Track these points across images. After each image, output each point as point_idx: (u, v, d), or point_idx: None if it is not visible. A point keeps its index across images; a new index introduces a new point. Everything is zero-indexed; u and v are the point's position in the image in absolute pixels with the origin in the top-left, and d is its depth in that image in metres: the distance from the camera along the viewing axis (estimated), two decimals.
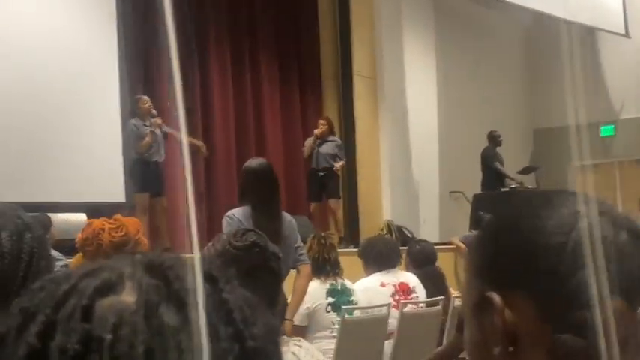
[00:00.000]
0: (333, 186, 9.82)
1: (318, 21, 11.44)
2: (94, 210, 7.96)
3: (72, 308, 0.57)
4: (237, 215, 4.27)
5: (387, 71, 11.54)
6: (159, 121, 8.49)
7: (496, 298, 0.84)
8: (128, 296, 0.58)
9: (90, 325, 0.56)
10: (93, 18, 8.81)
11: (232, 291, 0.62)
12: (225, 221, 4.29)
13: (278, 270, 1.97)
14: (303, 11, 11.28)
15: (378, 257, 5.58)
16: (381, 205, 11.30)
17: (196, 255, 0.58)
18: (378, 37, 11.56)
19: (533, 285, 0.83)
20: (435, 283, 6.03)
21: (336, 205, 9.92)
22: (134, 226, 3.10)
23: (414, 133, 11.72)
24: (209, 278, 0.61)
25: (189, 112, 9.45)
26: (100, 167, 8.50)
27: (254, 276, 1.90)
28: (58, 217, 7.36)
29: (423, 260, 6.26)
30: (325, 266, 5.28)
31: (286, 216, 4.49)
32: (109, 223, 3.02)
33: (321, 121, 9.81)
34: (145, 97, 8.60)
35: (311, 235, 5.76)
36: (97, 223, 3.03)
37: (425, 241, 7.25)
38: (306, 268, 4.66)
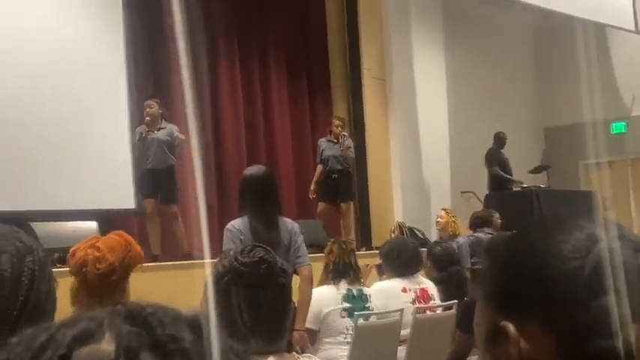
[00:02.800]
0: (346, 188, 9.73)
1: (326, 22, 11.42)
2: (103, 217, 7.99)
3: (49, 359, 0.56)
4: (236, 226, 4.27)
5: (396, 72, 11.51)
6: (145, 128, 8.33)
7: (511, 328, 0.80)
8: (107, 345, 0.57)
9: None
10: (102, 25, 8.81)
11: (222, 340, 0.59)
12: (225, 233, 4.30)
13: (287, 286, 1.94)
14: (311, 12, 11.26)
15: (401, 262, 5.46)
16: (392, 206, 11.27)
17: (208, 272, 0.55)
18: (387, 38, 11.53)
19: (549, 313, 0.79)
20: (458, 284, 5.94)
21: (348, 209, 9.86)
22: (120, 247, 2.97)
23: (424, 133, 11.69)
24: (193, 327, 0.59)
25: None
26: (109, 174, 8.49)
27: (263, 292, 1.87)
28: (68, 226, 7.35)
29: (445, 262, 6.18)
30: (347, 271, 5.25)
31: (287, 221, 4.47)
32: (94, 250, 2.91)
33: (337, 121, 9.70)
34: (152, 102, 8.44)
35: (331, 240, 5.73)
36: (80, 252, 2.91)
37: (445, 242, 7.15)
38: (306, 269, 4.51)
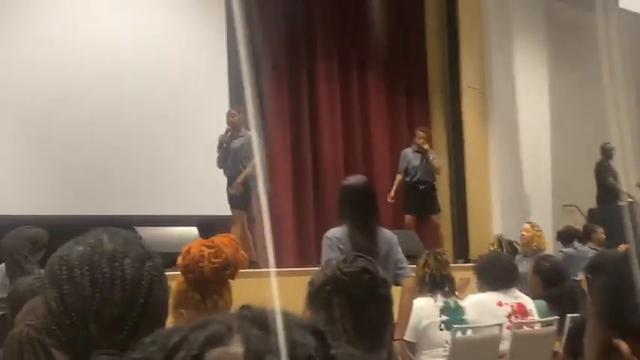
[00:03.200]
0: (433, 200, 9.61)
1: (425, 32, 11.38)
2: (204, 223, 8.14)
3: (182, 359, 0.58)
4: (336, 235, 4.29)
5: (496, 83, 11.36)
6: (225, 136, 8.19)
7: (624, 346, 0.79)
8: (236, 347, 0.59)
9: None
10: (200, 35, 9.02)
11: (340, 347, 0.61)
12: (324, 242, 4.33)
13: (389, 296, 1.94)
14: (410, 23, 11.24)
15: (496, 276, 5.38)
16: (491, 218, 11.11)
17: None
18: (487, 48, 11.40)
19: None
20: (571, 301, 5.73)
21: (438, 221, 9.73)
22: (231, 245, 3.11)
23: (524, 144, 11.48)
24: (316, 333, 0.60)
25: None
26: (209, 181, 8.66)
27: (364, 302, 1.88)
28: (170, 231, 7.52)
29: (555, 278, 5.99)
30: (442, 283, 5.21)
31: (385, 232, 4.47)
32: (208, 248, 3.04)
33: (421, 133, 9.57)
34: (233, 111, 8.27)
35: (425, 251, 5.71)
36: (195, 249, 3.04)
37: (552, 256, 6.96)
38: (408, 281, 4.52)
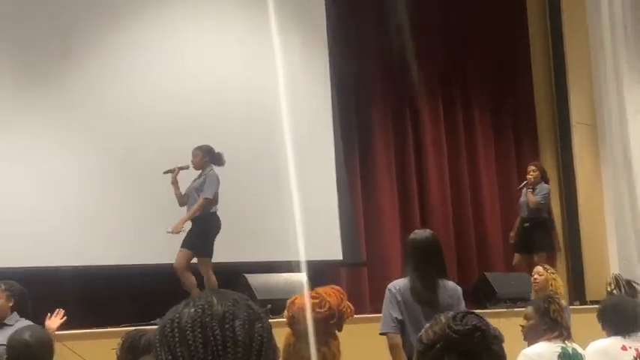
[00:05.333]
0: (539, 238, 9.20)
1: (531, 69, 11.22)
2: (313, 269, 8.16)
3: None
4: (397, 286, 4.50)
5: (607, 117, 11.05)
6: None
7: None
8: None
9: None
10: (309, 80, 9.14)
11: None
12: (386, 293, 4.53)
13: (501, 353, 1.89)
14: (516, 60, 11.11)
15: (619, 320, 5.21)
16: (607, 257, 10.75)
17: None
18: (597, 83, 11.13)
19: None
20: None
21: (542, 260, 9.26)
22: (336, 296, 3.14)
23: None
24: None
25: None
26: (317, 226, 8.69)
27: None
28: (279, 277, 7.56)
29: None
30: (559, 327, 5.05)
31: (449, 284, 4.59)
32: (312, 298, 3.06)
33: (530, 167, 9.37)
34: (196, 151, 7.64)
35: (539, 295, 5.56)
36: (301, 300, 3.08)
37: None
38: None
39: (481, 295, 9.00)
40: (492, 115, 10.81)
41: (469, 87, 10.65)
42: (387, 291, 4.52)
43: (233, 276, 7.46)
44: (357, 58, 9.79)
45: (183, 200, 7.47)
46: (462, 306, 4.55)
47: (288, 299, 3.47)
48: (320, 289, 3.29)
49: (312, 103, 9.11)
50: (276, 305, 7.04)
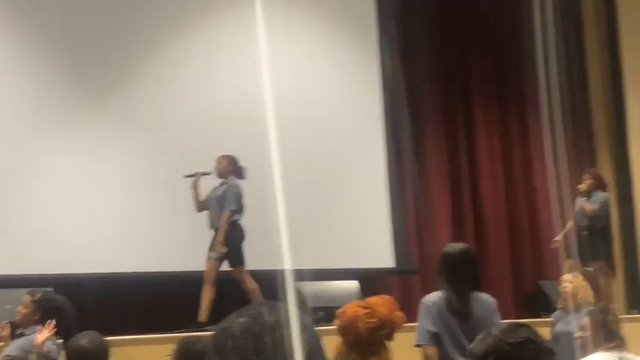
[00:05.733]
0: (594, 246, 8.88)
1: (587, 72, 11.09)
2: (364, 276, 8.16)
3: None
4: (431, 299, 4.58)
5: None
6: None
7: None
8: None
9: None
10: (355, 89, 9.16)
11: None
12: (420, 307, 4.60)
13: None
14: (572, 64, 10.96)
15: None
16: None
17: None
18: None
19: None
20: None
21: (601, 269, 9.05)
22: (386, 305, 3.16)
23: None
24: None
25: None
26: (368, 232, 8.70)
27: None
28: (332, 285, 7.57)
29: None
30: (614, 338, 4.99)
31: (483, 297, 4.64)
32: (363, 308, 3.09)
33: (586, 175, 9.24)
34: (220, 157, 7.63)
35: (592, 305, 5.48)
36: (351, 310, 3.13)
37: None
38: None
39: (536, 304, 8.93)
40: (548, 122, 10.68)
41: (524, 94, 10.54)
42: (421, 305, 4.61)
43: (283, 284, 7.47)
44: (409, 63, 9.78)
45: (201, 206, 7.44)
46: (498, 317, 4.57)
47: (339, 307, 3.49)
48: (371, 299, 3.31)
49: (363, 109, 9.12)
50: (328, 313, 7.08)
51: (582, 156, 10.80)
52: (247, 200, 7.96)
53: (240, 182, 7.37)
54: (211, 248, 7.22)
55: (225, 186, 7.38)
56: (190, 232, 7.83)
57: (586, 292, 6.81)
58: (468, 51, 10.25)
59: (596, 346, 5.02)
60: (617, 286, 10.49)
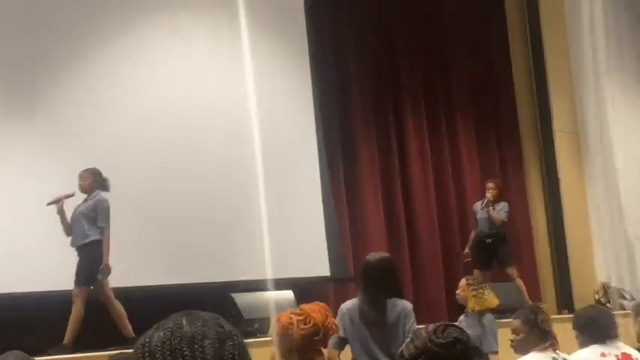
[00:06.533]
0: (504, 253, 9.27)
1: (513, 77, 11.32)
2: (300, 286, 8.14)
3: None
4: (347, 306, 4.76)
5: (590, 124, 11.12)
6: None
7: None
8: None
9: None
10: (287, 97, 9.16)
11: None
12: (338, 313, 4.69)
13: None
14: (497, 69, 11.19)
15: (596, 329, 5.25)
16: (593, 265, 10.78)
17: None
18: (578, 90, 11.19)
19: None
20: None
21: (513, 272, 9.26)
22: (320, 312, 3.21)
23: (625, 186, 11.07)
24: None
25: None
26: (304, 242, 8.69)
27: None
28: (266, 296, 7.55)
29: None
30: (546, 337, 5.08)
31: (398, 302, 4.76)
32: (297, 315, 3.11)
33: (490, 185, 9.41)
34: (85, 174, 7.28)
35: (523, 306, 5.60)
36: (284, 317, 3.18)
37: None
38: None
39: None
40: (475, 126, 10.86)
41: (452, 97, 10.71)
42: (339, 311, 4.72)
43: (220, 296, 7.43)
44: (339, 70, 9.84)
45: (70, 230, 7.07)
46: (411, 321, 4.71)
47: (274, 317, 3.52)
48: (305, 306, 3.36)
49: (296, 117, 9.13)
50: (264, 324, 7.05)
51: (510, 160, 11.01)
52: (181, 216, 7.91)
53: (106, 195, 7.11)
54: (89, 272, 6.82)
55: (91, 201, 7.08)
56: (137, 245, 7.70)
57: (480, 300, 6.84)
58: (396, 57, 10.36)
59: (530, 348, 5.11)
60: (548, 287, 10.72)
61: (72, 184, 7.12)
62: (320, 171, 9.11)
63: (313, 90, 9.23)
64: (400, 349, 2.03)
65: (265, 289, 7.69)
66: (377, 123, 10.05)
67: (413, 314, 4.78)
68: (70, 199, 7.02)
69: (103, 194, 7.08)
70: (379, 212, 9.78)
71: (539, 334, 5.03)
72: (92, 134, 7.91)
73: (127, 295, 7.09)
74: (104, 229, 6.91)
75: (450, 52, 10.73)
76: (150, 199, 7.91)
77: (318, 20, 9.67)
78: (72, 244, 6.99)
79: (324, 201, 9.00)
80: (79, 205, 7.08)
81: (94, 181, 7.13)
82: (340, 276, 8.90)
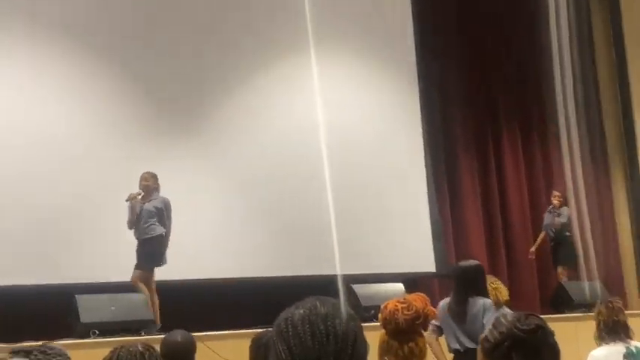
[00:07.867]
0: (560, 254, 10.33)
1: (599, 93, 11.80)
2: (409, 280, 9.11)
3: None
4: (442, 303, 5.71)
5: None
6: None
7: None
8: None
9: None
10: (395, 121, 10.22)
11: None
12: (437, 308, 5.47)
13: (556, 345, 2.21)
14: (585, 90, 11.62)
15: None
16: None
17: None
18: None
19: None
20: None
21: (562, 272, 10.26)
22: (421, 301, 3.67)
23: None
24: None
25: None
26: (413, 241, 9.73)
27: (539, 353, 2.16)
28: (381, 287, 8.53)
29: None
30: (616, 329, 5.19)
31: (479, 300, 5.58)
32: (400, 303, 3.63)
33: (557, 194, 10.35)
34: (147, 175, 7.95)
35: (598, 302, 6.08)
36: (391, 305, 3.64)
37: None
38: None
39: (559, 302, 9.81)
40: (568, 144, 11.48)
41: (542, 117, 11.35)
42: (438, 305, 5.60)
43: (343, 287, 8.35)
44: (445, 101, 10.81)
45: (134, 224, 7.78)
46: (489, 314, 5.47)
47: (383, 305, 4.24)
48: (407, 296, 3.82)
49: (404, 141, 10.17)
50: (377, 311, 7.87)
51: (598, 175, 11.53)
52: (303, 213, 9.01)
53: None
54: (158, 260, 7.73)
55: (157, 201, 7.72)
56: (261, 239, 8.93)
57: (499, 293, 7.67)
58: (498, 91, 11.18)
59: (604, 338, 5.73)
60: (632, 281, 11.40)
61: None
62: (427, 184, 10.18)
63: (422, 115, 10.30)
64: (483, 334, 2.21)
65: (379, 282, 8.67)
66: (477, 140, 11.01)
67: (492, 309, 5.54)
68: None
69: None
70: (478, 217, 10.80)
71: (611, 325, 5.12)
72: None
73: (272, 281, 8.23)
74: (168, 225, 7.75)
75: (540, 76, 11.37)
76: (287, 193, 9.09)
77: (427, 59, 10.62)
78: (137, 237, 7.75)
79: (430, 210, 10.11)
80: (145, 204, 7.73)
81: (155, 183, 7.77)
82: (444, 272, 9.88)
